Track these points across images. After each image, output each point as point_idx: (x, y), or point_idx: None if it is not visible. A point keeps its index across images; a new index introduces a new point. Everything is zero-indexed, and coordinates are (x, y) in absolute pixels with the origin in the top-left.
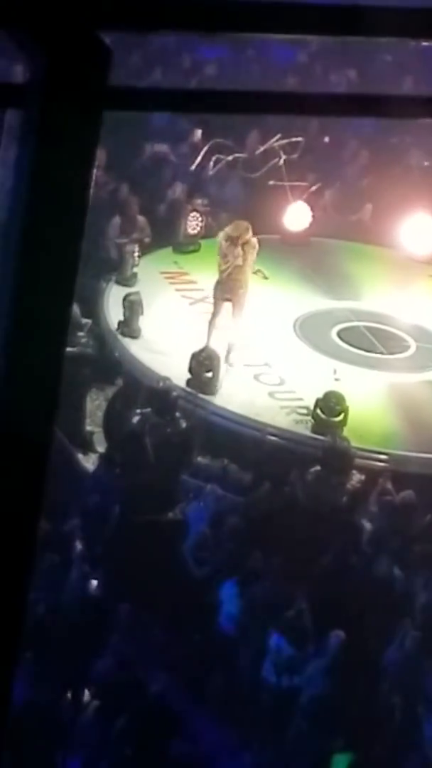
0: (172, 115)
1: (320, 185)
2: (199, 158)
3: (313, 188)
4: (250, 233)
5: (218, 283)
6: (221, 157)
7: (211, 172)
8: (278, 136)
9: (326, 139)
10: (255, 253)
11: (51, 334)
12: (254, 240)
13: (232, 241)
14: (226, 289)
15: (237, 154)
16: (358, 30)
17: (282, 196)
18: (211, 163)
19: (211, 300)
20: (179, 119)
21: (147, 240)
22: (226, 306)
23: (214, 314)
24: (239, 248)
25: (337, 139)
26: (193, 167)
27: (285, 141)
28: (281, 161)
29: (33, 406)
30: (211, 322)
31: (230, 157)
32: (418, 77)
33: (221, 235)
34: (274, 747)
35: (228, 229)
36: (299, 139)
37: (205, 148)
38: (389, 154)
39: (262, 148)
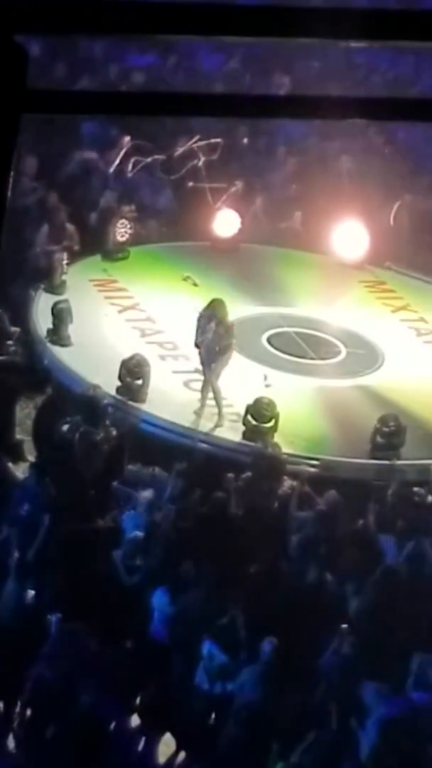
0: (101, 122)
1: (240, 187)
2: (117, 160)
3: (233, 190)
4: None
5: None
6: (140, 158)
7: (130, 174)
8: (197, 137)
9: (244, 141)
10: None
11: None
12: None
13: (208, 318)
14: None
15: (156, 156)
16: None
17: (210, 202)
18: (130, 165)
19: (142, 308)
20: (108, 126)
21: (76, 248)
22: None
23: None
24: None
25: (266, 144)
26: (111, 169)
27: (204, 142)
28: (200, 162)
29: None
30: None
31: (149, 159)
32: (345, 83)
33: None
34: (208, 754)
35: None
36: (218, 140)
37: (124, 150)
38: (319, 160)
39: (180, 150)
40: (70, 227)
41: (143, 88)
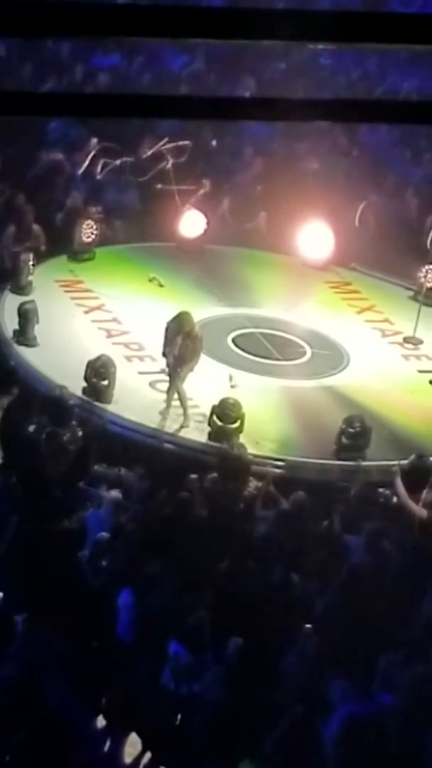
0: (68, 122)
1: (208, 189)
2: (86, 162)
3: (201, 191)
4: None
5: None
6: (108, 161)
7: (99, 177)
8: (166, 139)
9: (213, 143)
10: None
11: None
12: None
13: (174, 331)
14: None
15: (125, 158)
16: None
17: (176, 203)
18: (99, 167)
19: (108, 309)
20: (75, 127)
21: (42, 249)
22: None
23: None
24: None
25: (232, 145)
26: (80, 171)
27: (172, 144)
28: (169, 164)
29: None
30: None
31: (118, 161)
32: (309, 84)
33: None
34: (174, 755)
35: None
36: (186, 142)
37: (93, 152)
38: (284, 161)
39: (149, 152)
40: (36, 228)
41: (109, 90)
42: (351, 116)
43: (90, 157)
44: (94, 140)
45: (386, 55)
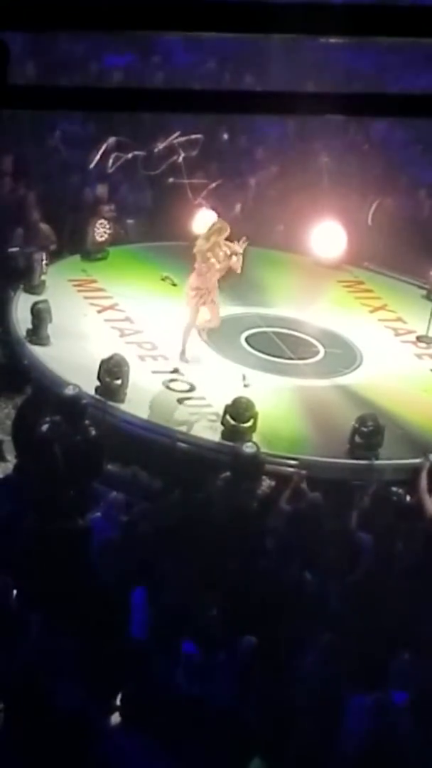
0: (80, 119)
1: (220, 183)
2: (97, 157)
3: (213, 185)
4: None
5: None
6: (120, 155)
7: (110, 170)
8: (177, 133)
9: (222, 138)
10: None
11: None
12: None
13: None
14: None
15: (136, 152)
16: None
17: (189, 200)
18: (110, 161)
19: (121, 308)
20: (88, 124)
21: (53, 247)
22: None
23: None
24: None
25: (244, 144)
26: (92, 165)
27: (184, 138)
28: (180, 158)
29: None
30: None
31: (129, 155)
32: (321, 79)
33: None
34: (188, 754)
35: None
36: (198, 136)
37: (104, 147)
38: (297, 160)
39: (161, 146)
40: (44, 227)
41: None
42: (364, 110)
43: (101, 151)
44: (107, 135)
45: (402, 52)
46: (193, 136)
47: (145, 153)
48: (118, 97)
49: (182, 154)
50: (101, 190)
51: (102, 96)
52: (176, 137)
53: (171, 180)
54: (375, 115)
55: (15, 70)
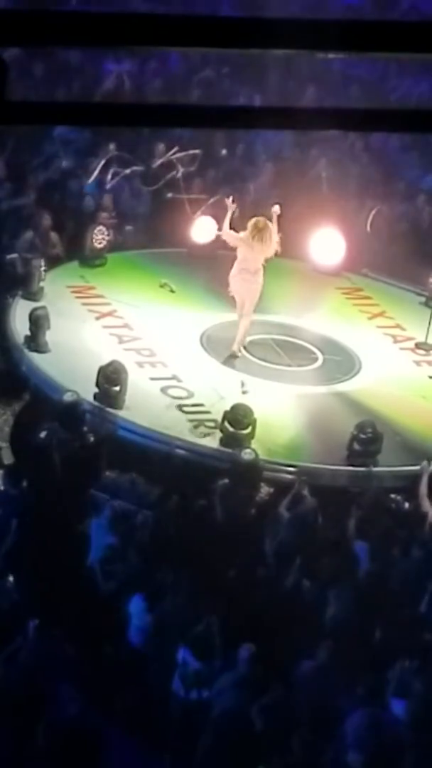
0: (80, 129)
1: (218, 198)
2: (96, 172)
3: (211, 201)
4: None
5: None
6: (119, 170)
7: (108, 186)
8: (175, 148)
9: (223, 152)
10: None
11: None
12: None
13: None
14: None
15: (134, 167)
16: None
17: (189, 214)
18: (109, 176)
19: (119, 315)
20: (88, 134)
21: (53, 254)
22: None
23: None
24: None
25: (243, 153)
26: (91, 180)
27: (182, 153)
28: (179, 174)
29: None
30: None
31: (128, 170)
32: (320, 91)
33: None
34: (186, 761)
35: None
36: (197, 151)
37: (103, 161)
38: (297, 167)
39: (159, 161)
40: (48, 234)
41: (120, 97)
42: (361, 125)
43: (101, 165)
44: (108, 147)
45: (400, 63)
46: (192, 151)
47: (143, 168)
48: (116, 112)
49: (181, 170)
50: (100, 197)
51: (100, 111)
52: (174, 153)
53: (170, 195)
54: (377, 130)
55: (12, 78)
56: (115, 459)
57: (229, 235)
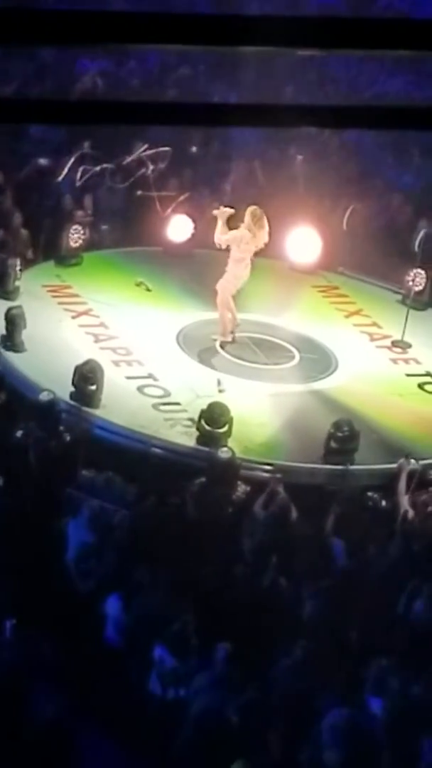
0: (54, 127)
1: (191, 195)
2: (65, 170)
3: (182, 198)
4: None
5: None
6: (88, 167)
7: (78, 183)
8: (145, 146)
9: (193, 149)
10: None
11: None
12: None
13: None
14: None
15: (105, 165)
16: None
17: (163, 207)
18: (79, 175)
19: (95, 314)
20: (61, 131)
21: (29, 254)
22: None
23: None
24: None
25: (217, 151)
26: (61, 177)
27: (153, 151)
28: (149, 171)
29: None
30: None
31: (98, 168)
32: (299, 88)
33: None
34: (162, 760)
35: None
36: (167, 149)
37: (72, 159)
38: (272, 165)
39: (129, 159)
40: (23, 233)
41: (98, 94)
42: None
43: (70, 163)
44: (80, 144)
45: (376, 59)
46: (162, 149)
47: (113, 165)
48: (92, 109)
49: (151, 167)
50: (75, 195)
51: (77, 109)
52: (144, 150)
53: (139, 192)
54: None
55: None
56: (92, 458)
57: (232, 235)
